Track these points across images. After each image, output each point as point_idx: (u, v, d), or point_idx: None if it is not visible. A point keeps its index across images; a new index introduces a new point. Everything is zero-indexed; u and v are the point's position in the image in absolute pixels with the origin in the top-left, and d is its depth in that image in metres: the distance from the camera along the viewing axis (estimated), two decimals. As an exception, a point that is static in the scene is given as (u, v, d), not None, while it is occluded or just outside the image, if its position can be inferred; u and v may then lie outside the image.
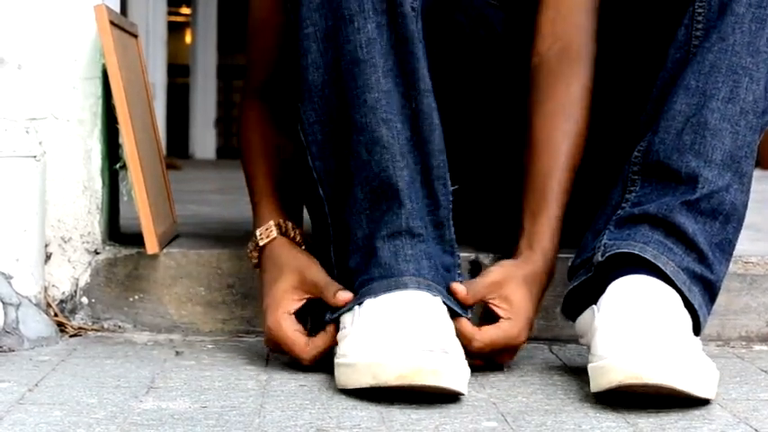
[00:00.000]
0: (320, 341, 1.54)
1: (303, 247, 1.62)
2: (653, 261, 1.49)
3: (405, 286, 1.45)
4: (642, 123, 1.59)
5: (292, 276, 1.57)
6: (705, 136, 1.53)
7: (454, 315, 1.50)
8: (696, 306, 1.50)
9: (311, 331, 1.57)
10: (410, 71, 1.50)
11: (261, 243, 1.63)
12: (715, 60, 1.54)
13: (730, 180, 1.54)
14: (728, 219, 1.54)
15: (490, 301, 1.55)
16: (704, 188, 1.52)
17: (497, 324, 1.54)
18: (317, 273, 1.56)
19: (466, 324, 1.52)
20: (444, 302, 1.48)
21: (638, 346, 1.36)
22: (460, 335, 1.49)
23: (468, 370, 1.39)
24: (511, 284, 1.56)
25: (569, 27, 1.70)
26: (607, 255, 1.51)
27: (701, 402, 1.38)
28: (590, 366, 1.42)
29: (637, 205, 1.55)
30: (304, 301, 1.57)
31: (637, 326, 1.40)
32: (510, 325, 1.54)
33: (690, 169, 1.53)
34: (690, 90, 1.55)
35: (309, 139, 1.53)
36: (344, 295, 1.50)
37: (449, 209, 1.54)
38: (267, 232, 1.63)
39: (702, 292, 1.52)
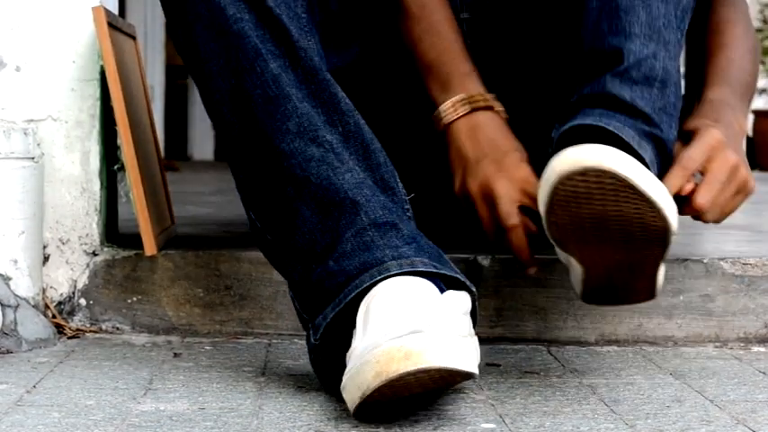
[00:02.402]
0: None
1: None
2: (594, 124, 1.47)
3: (387, 271, 1.38)
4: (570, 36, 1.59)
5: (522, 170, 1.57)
6: (620, 17, 1.52)
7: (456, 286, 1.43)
8: (648, 161, 1.48)
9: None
10: (327, 98, 1.47)
11: (451, 118, 1.62)
12: None
13: (655, 48, 1.52)
14: (665, 84, 1.52)
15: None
16: (630, 58, 1.51)
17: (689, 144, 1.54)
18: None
19: (671, 175, 1.50)
20: (436, 273, 1.40)
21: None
22: (680, 177, 1.50)
23: (455, 341, 1.27)
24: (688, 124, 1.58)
25: None
26: (555, 141, 1.49)
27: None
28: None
29: (573, 95, 1.54)
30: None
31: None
32: (703, 134, 1.54)
33: (612, 47, 1.51)
34: None
35: (249, 198, 1.51)
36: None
37: (409, 216, 1.49)
38: (470, 100, 1.62)
39: (653, 149, 1.50)
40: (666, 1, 1.54)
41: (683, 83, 1.58)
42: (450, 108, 1.64)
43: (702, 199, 1.53)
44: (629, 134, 1.46)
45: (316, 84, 1.46)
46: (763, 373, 1.62)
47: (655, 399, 1.44)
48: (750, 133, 7.52)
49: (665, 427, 1.30)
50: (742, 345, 1.82)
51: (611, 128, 1.45)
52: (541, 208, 1.40)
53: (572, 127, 1.48)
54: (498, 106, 1.64)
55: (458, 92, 1.64)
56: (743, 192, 1.60)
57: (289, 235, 1.46)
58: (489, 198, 1.59)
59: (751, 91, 1.73)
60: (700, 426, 1.31)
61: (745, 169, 1.58)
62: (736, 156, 1.57)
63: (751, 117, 7.60)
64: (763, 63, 8.00)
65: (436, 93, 1.66)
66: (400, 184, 1.49)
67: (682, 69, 1.64)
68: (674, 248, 1.57)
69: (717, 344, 1.82)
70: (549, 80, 1.76)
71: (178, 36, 1.52)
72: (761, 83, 7.89)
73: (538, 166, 1.71)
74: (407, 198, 1.50)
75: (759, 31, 8.05)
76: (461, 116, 1.63)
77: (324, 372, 1.45)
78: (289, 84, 1.45)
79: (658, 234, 1.41)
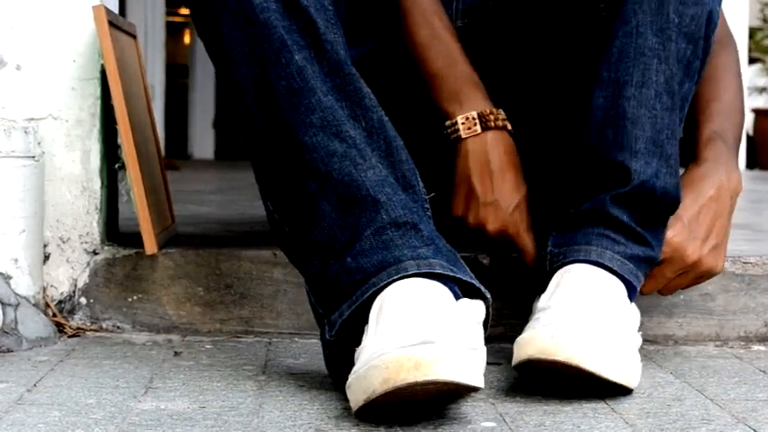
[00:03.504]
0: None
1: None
2: (599, 260, 1.53)
3: (404, 270, 1.38)
4: (576, 120, 1.62)
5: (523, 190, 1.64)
6: (626, 126, 1.56)
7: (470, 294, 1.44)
8: (638, 285, 1.57)
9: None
10: (352, 92, 1.46)
11: (464, 135, 1.64)
12: (622, 46, 1.56)
13: (657, 166, 1.56)
14: (660, 201, 1.58)
15: None
16: (634, 180, 1.56)
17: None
18: (527, 223, 1.65)
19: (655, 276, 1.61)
20: (452, 276, 1.41)
21: (555, 326, 1.41)
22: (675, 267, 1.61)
23: (465, 354, 1.28)
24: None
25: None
26: (555, 266, 1.55)
27: (622, 390, 1.43)
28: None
29: (573, 205, 1.58)
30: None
31: (565, 309, 1.45)
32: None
33: (617, 164, 1.56)
34: (603, 82, 1.57)
35: (268, 190, 1.50)
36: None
37: (429, 215, 1.49)
38: (484, 118, 1.64)
39: (646, 269, 1.58)
40: (671, 109, 1.58)
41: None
42: (463, 123, 1.64)
43: (646, 289, 1.64)
44: (627, 269, 1.54)
45: (341, 77, 1.46)
46: (764, 371, 1.62)
47: (655, 397, 1.44)
48: (750, 132, 7.53)
49: (665, 426, 1.30)
50: (742, 343, 1.82)
51: (615, 267, 1.53)
52: (513, 361, 1.45)
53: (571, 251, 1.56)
54: (508, 125, 1.66)
55: (470, 107, 1.65)
56: (706, 276, 1.68)
57: (307, 229, 1.46)
58: (482, 233, 1.66)
59: (741, 131, 1.77)
60: (700, 425, 1.31)
61: (709, 259, 1.65)
62: (697, 252, 1.64)
63: (751, 116, 7.60)
64: (763, 62, 8.00)
65: (446, 104, 1.66)
66: (421, 183, 1.50)
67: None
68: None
69: (717, 343, 1.82)
70: (545, 91, 1.77)
71: (202, 22, 1.51)
72: (761, 81, 7.90)
73: (531, 178, 1.75)
74: (427, 197, 1.50)
75: (759, 30, 8.05)
76: (475, 135, 1.64)
77: (337, 369, 1.45)
78: (313, 76, 1.45)
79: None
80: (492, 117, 1.64)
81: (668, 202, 1.59)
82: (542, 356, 1.39)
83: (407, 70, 1.72)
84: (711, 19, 1.60)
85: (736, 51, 1.80)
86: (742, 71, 1.83)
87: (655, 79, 1.55)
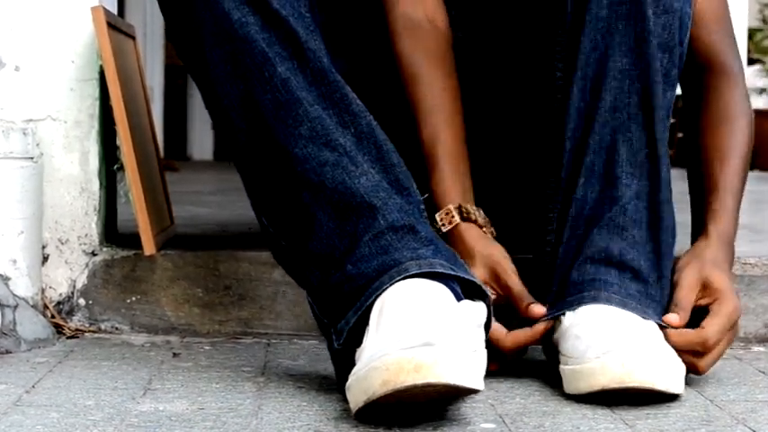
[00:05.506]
0: (522, 336, 1.53)
1: (491, 228, 1.60)
2: (594, 304, 1.50)
3: (406, 271, 1.37)
4: (553, 151, 1.59)
5: (484, 270, 1.56)
6: (602, 155, 1.53)
7: (475, 294, 1.42)
8: (643, 315, 1.50)
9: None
10: (338, 99, 1.45)
11: (443, 230, 1.58)
12: (591, 73, 1.53)
13: (638, 187, 1.53)
14: (650, 223, 1.54)
15: (699, 301, 1.54)
16: (616, 206, 1.53)
17: (711, 314, 1.52)
18: (511, 276, 1.56)
19: (689, 333, 1.50)
20: (453, 275, 1.40)
21: (618, 353, 1.39)
22: (694, 345, 1.49)
23: (466, 357, 1.28)
24: (705, 271, 1.55)
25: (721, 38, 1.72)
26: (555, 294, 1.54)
27: (673, 397, 1.42)
28: (567, 368, 1.44)
29: (556, 241, 1.56)
30: (494, 297, 1.53)
31: (611, 329, 1.43)
32: (725, 303, 1.52)
33: (595, 193, 1.54)
34: (574, 110, 1.54)
35: (261, 204, 1.49)
36: (538, 309, 1.52)
37: (425, 217, 1.48)
38: (449, 218, 1.58)
39: (648, 303, 1.52)
40: (647, 127, 1.53)
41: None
42: (439, 222, 1.59)
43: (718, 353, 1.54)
44: (631, 305, 1.49)
45: (326, 85, 1.45)
46: (763, 372, 1.62)
47: (654, 398, 1.44)
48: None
49: (665, 428, 1.30)
50: (742, 344, 1.82)
51: (610, 304, 1.48)
52: (577, 390, 1.43)
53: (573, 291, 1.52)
54: (479, 217, 1.61)
55: (443, 203, 1.60)
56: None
57: (305, 240, 1.45)
58: None
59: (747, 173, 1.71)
60: (700, 426, 1.31)
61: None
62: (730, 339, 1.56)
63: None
64: (762, 63, 8.00)
65: (431, 185, 1.62)
66: (414, 185, 1.48)
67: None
68: (675, 248, 1.58)
69: (717, 344, 1.81)
70: (540, 102, 1.76)
71: (180, 41, 1.50)
72: (760, 82, 7.90)
73: (523, 186, 1.72)
74: (422, 198, 1.49)
75: (759, 30, 8.05)
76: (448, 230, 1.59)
77: (340, 371, 1.43)
78: (299, 87, 1.44)
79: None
80: (456, 214, 1.59)
81: (659, 223, 1.54)
82: (617, 386, 1.39)
83: (382, 89, 1.70)
84: (683, 23, 1.56)
85: (743, 80, 1.73)
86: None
87: (628, 101, 1.52)
